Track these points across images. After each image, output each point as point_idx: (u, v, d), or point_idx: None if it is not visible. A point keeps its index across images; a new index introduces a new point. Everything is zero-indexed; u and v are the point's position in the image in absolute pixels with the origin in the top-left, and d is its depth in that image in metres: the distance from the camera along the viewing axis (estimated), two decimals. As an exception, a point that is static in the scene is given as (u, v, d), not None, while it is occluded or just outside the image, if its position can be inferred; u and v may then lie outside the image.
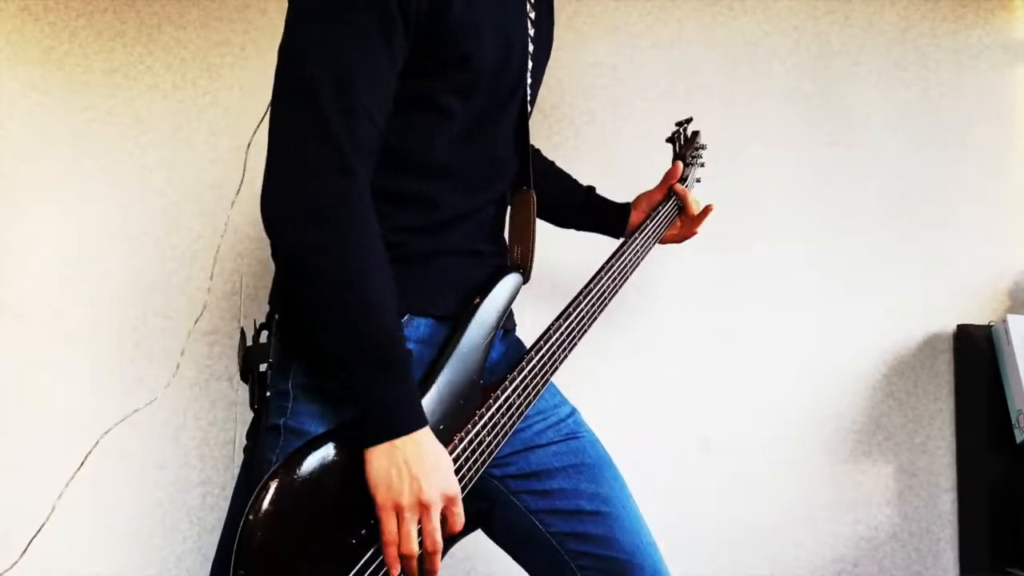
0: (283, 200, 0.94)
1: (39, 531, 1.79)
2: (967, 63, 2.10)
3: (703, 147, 1.64)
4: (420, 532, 0.96)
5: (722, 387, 1.99)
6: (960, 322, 2.02)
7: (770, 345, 2.01)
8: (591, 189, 1.52)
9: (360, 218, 0.94)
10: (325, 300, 0.94)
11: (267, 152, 0.95)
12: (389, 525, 0.94)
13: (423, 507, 0.95)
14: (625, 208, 1.51)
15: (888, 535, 1.99)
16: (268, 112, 0.99)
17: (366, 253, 0.94)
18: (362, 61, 0.95)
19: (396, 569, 0.95)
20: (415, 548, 0.95)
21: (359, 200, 0.94)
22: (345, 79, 0.94)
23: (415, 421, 0.96)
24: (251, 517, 0.89)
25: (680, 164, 1.51)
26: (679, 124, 1.63)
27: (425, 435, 0.96)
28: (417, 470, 0.94)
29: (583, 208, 1.51)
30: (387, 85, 0.98)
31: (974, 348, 1.97)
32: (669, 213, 1.47)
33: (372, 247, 0.95)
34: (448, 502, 0.97)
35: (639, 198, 1.52)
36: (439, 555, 0.97)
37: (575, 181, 1.52)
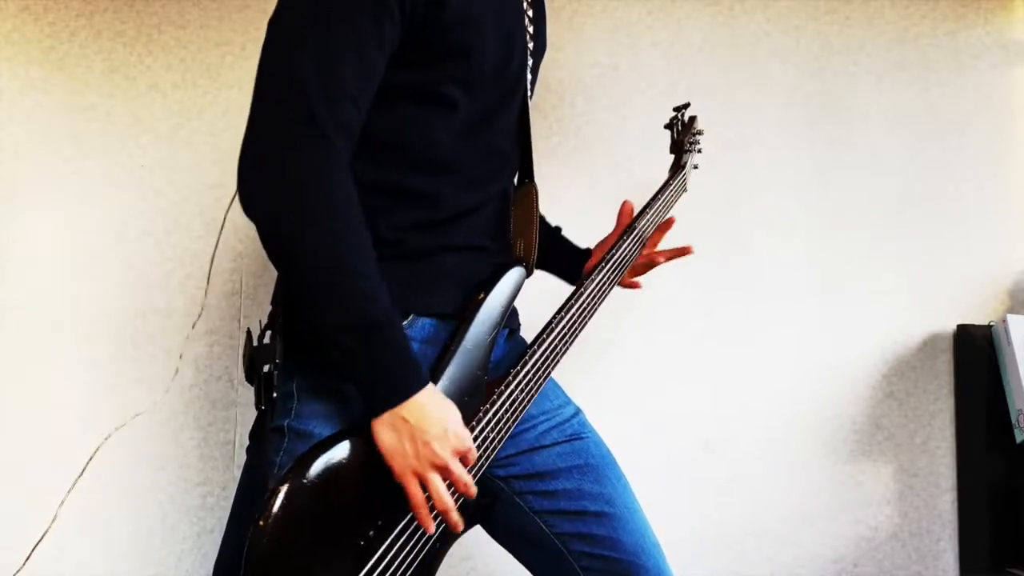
0: (258, 169, 0.93)
1: (44, 535, 1.79)
2: (967, 63, 2.10)
3: (700, 133, 1.64)
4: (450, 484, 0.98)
5: (722, 387, 1.99)
6: (960, 322, 2.02)
7: (770, 345, 2.01)
8: (558, 229, 1.47)
9: (335, 185, 0.93)
10: (302, 266, 0.93)
11: (247, 124, 0.95)
12: (413, 489, 0.96)
13: (441, 468, 0.96)
14: (585, 254, 1.45)
15: (888, 535, 1.99)
16: None
17: (341, 218, 0.93)
18: (348, 43, 0.95)
19: (431, 527, 0.97)
20: (448, 502, 0.97)
21: (334, 169, 0.94)
22: (328, 54, 0.94)
23: (414, 383, 0.96)
24: (260, 523, 0.88)
25: (630, 204, 1.43)
26: (677, 110, 1.63)
27: (427, 395, 0.97)
28: (427, 434, 0.95)
29: (546, 247, 1.41)
30: (373, 69, 0.98)
31: (974, 348, 1.98)
32: (679, 187, 1.46)
33: (348, 213, 0.94)
34: (462, 455, 0.99)
35: (599, 244, 1.44)
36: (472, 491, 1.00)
37: (544, 220, 1.46)
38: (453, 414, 0.99)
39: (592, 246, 1.45)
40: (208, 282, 1.89)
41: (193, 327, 1.88)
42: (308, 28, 0.95)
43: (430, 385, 0.98)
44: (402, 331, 0.97)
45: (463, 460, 0.99)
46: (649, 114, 2.01)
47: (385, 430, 0.95)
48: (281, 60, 0.95)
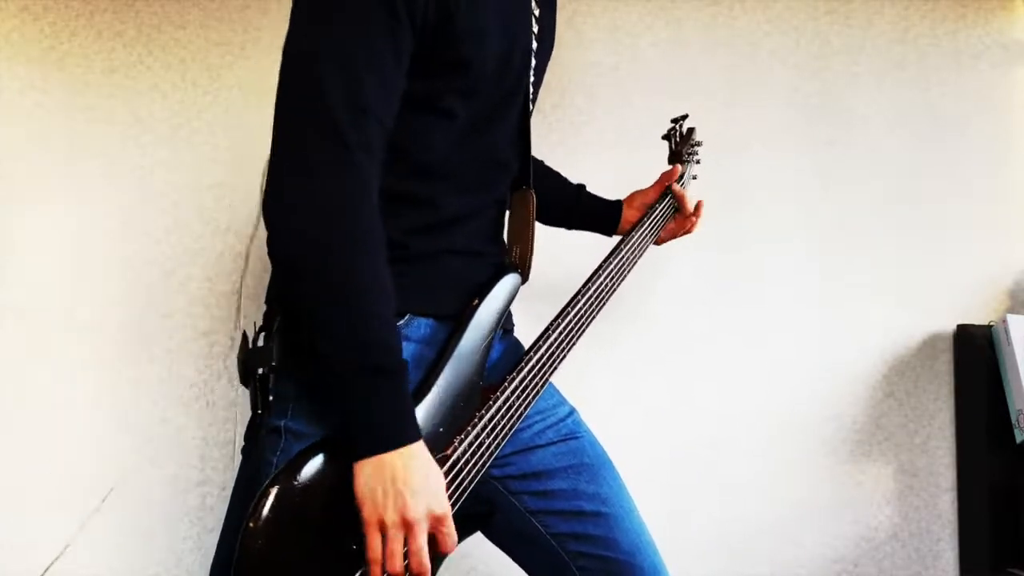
0: (289, 199, 0.92)
1: (42, 535, 1.79)
2: (967, 63, 2.10)
3: (699, 144, 1.64)
4: (407, 552, 0.93)
5: (722, 387, 1.99)
6: (960, 322, 2.02)
7: (770, 345, 2.01)
8: (581, 187, 1.52)
9: (366, 220, 0.93)
10: (325, 302, 0.92)
11: (272, 153, 0.94)
12: (374, 542, 0.92)
13: (408, 525, 0.92)
14: (616, 205, 1.51)
15: (888, 535, 1.99)
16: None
17: (370, 256, 0.93)
18: (370, 62, 0.94)
19: None
20: (400, 567, 0.92)
21: (366, 201, 0.93)
22: (354, 79, 0.93)
23: (407, 434, 0.94)
24: (251, 524, 0.88)
25: (679, 166, 1.51)
26: (675, 121, 1.63)
27: (416, 449, 0.94)
28: (403, 486, 0.91)
29: (573, 206, 1.50)
30: (395, 86, 0.98)
31: (974, 348, 1.98)
32: (665, 212, 1.47)
33: (376, 250, 0.94)
34: (436, 521, 0.94)
35: (632, 195, 1.52)
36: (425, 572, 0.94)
37: (565, 179, 1.52)
38: (435, 475, 0.95)
39: (622, 198, 1.52)
40: (210, 281, 1.89)
41: (196, 327, 1.88)
42: (329, 52, 0.93)
43: (421, 442, 0.95)
44: (407, 381, 0.95)
45: (433, 528, 0.94)
46: (649, 114, 2.01)
47: (366, 473, 0.92)
48: (307, 87, 0.93)
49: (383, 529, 0.92)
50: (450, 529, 0.95)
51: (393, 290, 0.95)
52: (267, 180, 0.94)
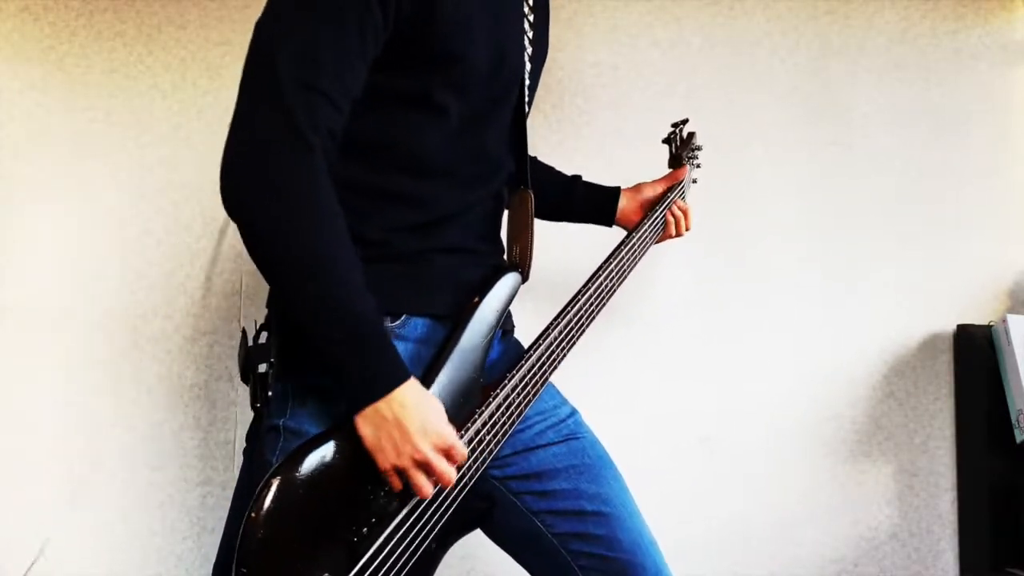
0: (237, 169, 0.93)
1: (44, 536, 1.79)
2: (967, 63, 2.10)
3: (699, 148, 1.64)
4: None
5: (722, 387, 1.99)
6: (960, 322, 2.02)
7: (770, 345, 2.01)
8: (576, 178, 1.49)
9: (315, 191, 0.93)
10: (283, 270, 0.94)
11: (230, 124, 0.95)
12: (398, 485, 0.97)
13: (420, 464, 0.96)
14: (613, 193, 1.48)
15: (888, 535, 1.99)
16: None
17: (321, 223, 0.93)
18: (330, 43, 0.95)
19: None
20: (431, 494, 0.98)
21: (314, 174, 0.93)
22: (308, 56, 0.94)
23: (393, 379, 0.96)
24: (253, 515, 0.89)
25: (687, 168, 1.50)
26: (675, 125, 1.63)
27: (406, 391, 0.96)
28: (405, 430, 0.95)
29: (566, 198, 1.48)
30: (355, 72, 0.98)
31: (974, 348, 1.98)
32: (669, 209, 1.47)
33: (328, 217, 0.94)
34: (445, 451, 0.98)
35: (639, 186, 1.50)
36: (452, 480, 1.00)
37: (558, 172, 1.50)
38: (434, 409, 0.98)
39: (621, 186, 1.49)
40: (209, 283, 1.89)
41: (194, 326, 1.88)
42: (291, 31, 0.95)
43: (412, 381, 0.97)
44: (383, 330, 0.98)
45: (448, 456, 0.98)
46: (649, 114, 2.01)
47: (366, 426, 0.95)
48: (263, 62, 0.95)
49: (401, 472, 0.96)
50: (460, 449, 1.00)
51: (353, 252, 0.96)
52: (223, 153, 0.94)
